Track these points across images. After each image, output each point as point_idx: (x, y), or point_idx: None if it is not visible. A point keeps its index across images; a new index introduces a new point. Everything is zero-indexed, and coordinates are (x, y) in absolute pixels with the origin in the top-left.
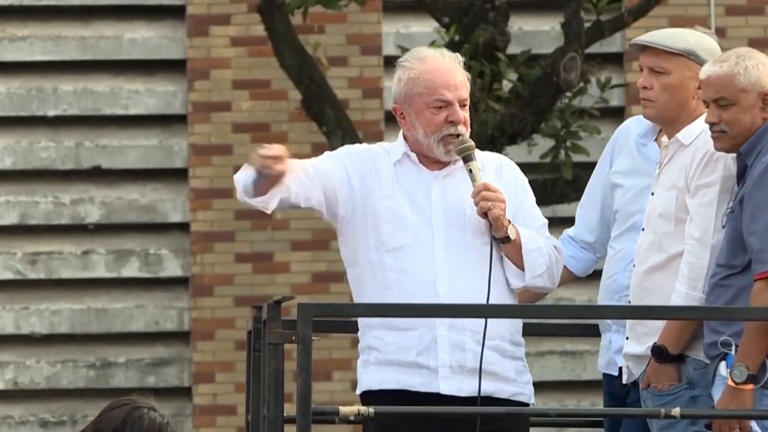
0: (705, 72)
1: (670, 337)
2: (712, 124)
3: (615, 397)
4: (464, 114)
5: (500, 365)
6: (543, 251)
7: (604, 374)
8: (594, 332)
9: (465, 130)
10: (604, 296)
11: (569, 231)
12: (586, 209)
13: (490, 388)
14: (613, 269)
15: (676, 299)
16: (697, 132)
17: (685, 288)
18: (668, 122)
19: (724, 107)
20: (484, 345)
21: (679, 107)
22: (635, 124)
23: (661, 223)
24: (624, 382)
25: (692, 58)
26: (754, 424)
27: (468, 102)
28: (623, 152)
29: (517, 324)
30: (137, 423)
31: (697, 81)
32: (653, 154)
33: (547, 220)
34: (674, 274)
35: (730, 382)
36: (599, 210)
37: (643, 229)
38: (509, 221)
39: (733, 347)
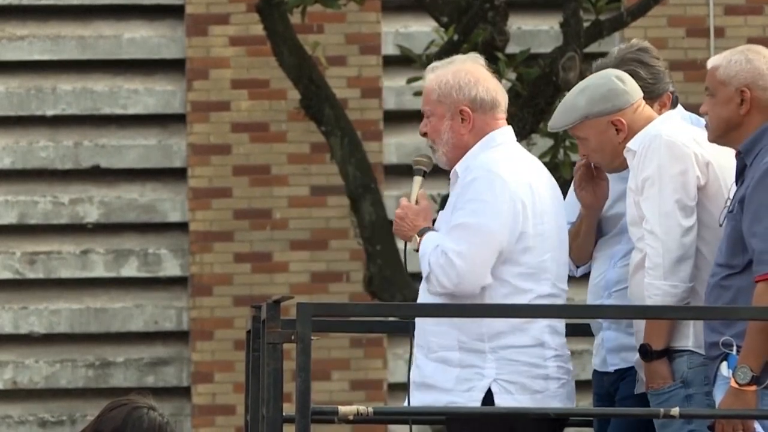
0: (708, 62)
1: (650, 333)
2: (704, 114)
3: (603, 397)
4: (429, 124)
5: (439, 376)
6: (425, 258)
7: (594, 373)
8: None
9: (430, 141)
10: (592, 296)
11: None
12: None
13: (428, 399)
14: (601, 268)
15: (645, 291)
16: (642, 136)
17: (647, 279)
18: (616, 168)
19: (708, 98)
20: (411, 358)
21: (612, 156)
22: None
23: (633, 230)
24: (635, 392)
25: (591, 117)
26: (757, 425)
27: (429, 113)
28: None
29: (469, 329)
30: (137, 423)
31: (612, 127)
32: None
33: (461, 221)
34: None
35: (733, 384)
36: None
37: None
38: (426, 231)
39: (735, 347)
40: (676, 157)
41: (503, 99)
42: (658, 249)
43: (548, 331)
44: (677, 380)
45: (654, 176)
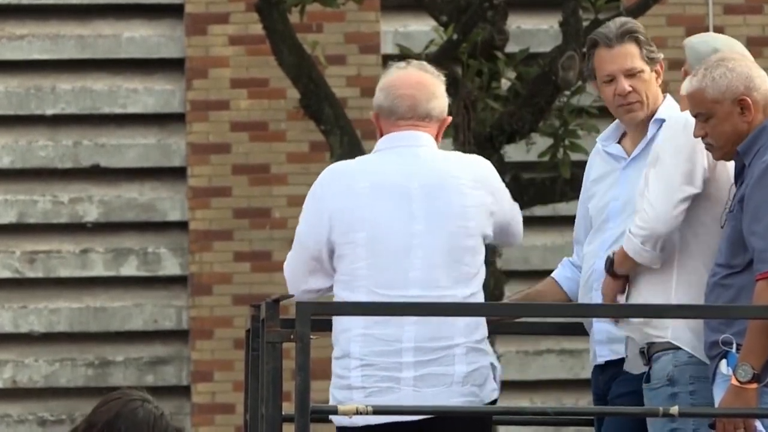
0: (683, 88)
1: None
2: (702, 138)
3: (600, 396)
4: None
5: None
6: None
7: (592, 372)
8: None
9: None
10: (583, 291)
11: (570, 258)
12: (579, 232)
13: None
14: (591, 260)
15: (625, 233)
16: (667, 109)
17: (632, 228)
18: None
19: (705, 121)
20: None
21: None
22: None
23: (640, 201)
24: (624, 368)
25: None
26: (758, 423)
27: None
28: (594, 165)
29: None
30: (131, 415)
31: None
32: (616, 152)
33: None
34: None
35: (734, 382)
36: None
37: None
38: None
39: (734, 345)
40: (694, 146)
41: (406, 105)
42: (650, 216)
43: (360, 340)
44: (663, 378)
45: (674, 153)
